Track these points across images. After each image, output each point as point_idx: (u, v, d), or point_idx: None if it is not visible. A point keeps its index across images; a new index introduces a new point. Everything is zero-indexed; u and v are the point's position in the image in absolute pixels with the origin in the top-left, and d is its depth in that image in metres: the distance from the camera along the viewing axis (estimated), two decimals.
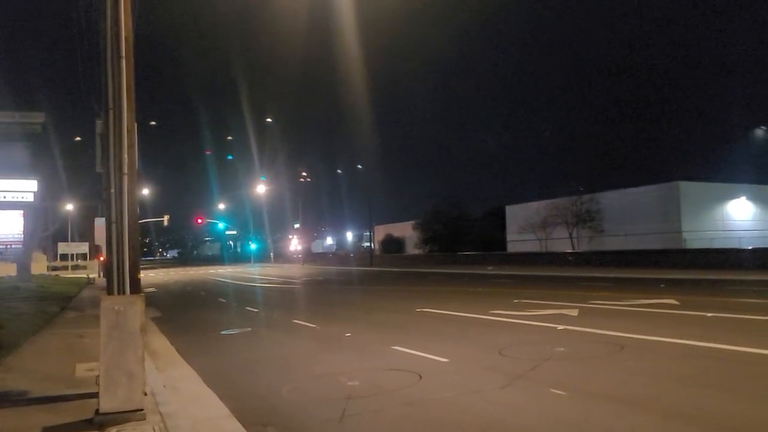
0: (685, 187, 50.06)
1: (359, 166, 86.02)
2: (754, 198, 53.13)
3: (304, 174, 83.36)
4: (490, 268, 42.60)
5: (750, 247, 38.26)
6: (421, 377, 8.29)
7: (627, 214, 50.83)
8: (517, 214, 61.57)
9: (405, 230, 78.37)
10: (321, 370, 9.40)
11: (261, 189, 69.14)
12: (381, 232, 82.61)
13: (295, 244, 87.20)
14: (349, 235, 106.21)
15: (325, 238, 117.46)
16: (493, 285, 26.83)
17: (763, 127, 69.13)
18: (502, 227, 65.52)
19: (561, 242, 53.01)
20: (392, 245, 78.49)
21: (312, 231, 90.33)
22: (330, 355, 10.72)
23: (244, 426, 6.28)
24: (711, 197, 51.04)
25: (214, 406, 7.23)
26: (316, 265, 67.53)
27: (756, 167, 64.92)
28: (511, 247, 61.13)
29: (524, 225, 55.96)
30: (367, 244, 76.83)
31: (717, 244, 43.41)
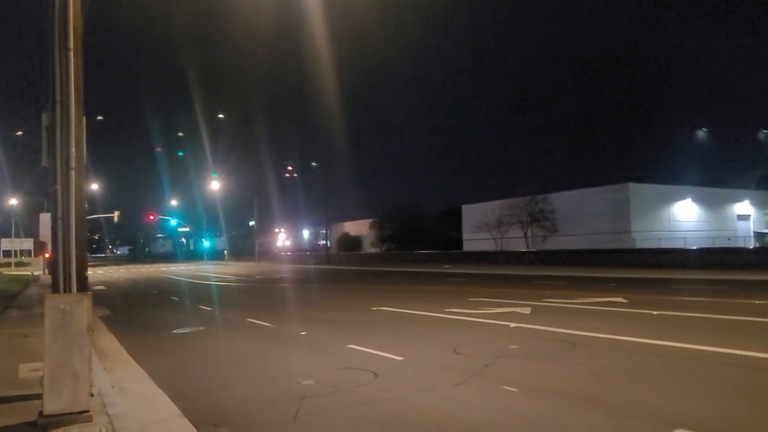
0: (635, 188, 51.62)
1: (314, 164, 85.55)
2: (699, 200, 55.16)
3: (290, 168, 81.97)
4: (446, 266, 43.00)
5: (695, 247, 39.74)
6: (376, 376, 8.30)
7: (579, 214, 52.10)
8: (473, 214, 62.39)
9: (362, 228, 78.50)
10: (275, 369, 9.32)
11: (215, 186, 68.00)
12: (338, 230, 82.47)
13: (282, 239, 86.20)
14: (306, 233, 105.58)
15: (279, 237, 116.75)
16: (449, 283, 27.08)
17: (704, 129, 71.68)
18: (459, 226, 66.27)
19: (516, 241, 53.96)
20: (349, 243, 78.47)
21: (290, 227, 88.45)
22: (285, 354, 10.64)
23: (195, 426, 6.18)
24: (659, 198, 52.76)
25: (164, 406, 7.08)
26: (273, 263, 66.86)
27: (701, 169, 67.41)
28: (467, 246, 61.91)
29: (480, 224, 56.77)
30: (324, 242, 76.52)
31: (664, 244, 44.92)
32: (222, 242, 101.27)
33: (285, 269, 52.31)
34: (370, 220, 74.84)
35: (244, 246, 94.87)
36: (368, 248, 75.59)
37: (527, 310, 14.83)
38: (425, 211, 75.16)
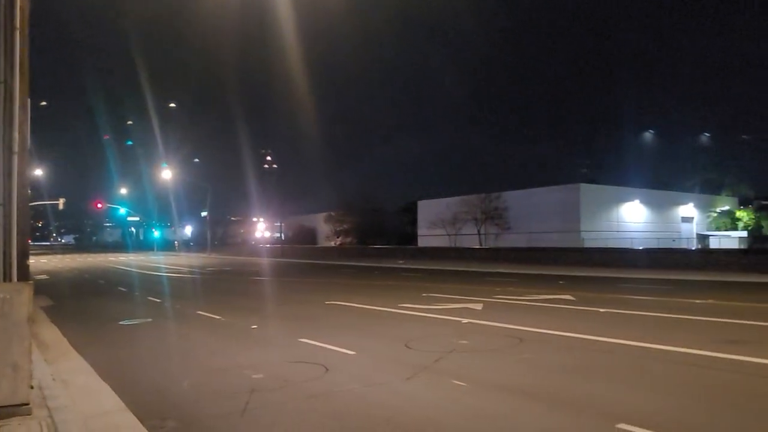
0: (585, 189, 52.91)
1: (269, 158, 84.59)
2: (646, 201, 56.89)
3: (269, 159, 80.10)
4: (400, 261, 43.20)
5: (641, 248, 41.01)
6: (327, 370, 8.29)
7: (532, 212, 53.06)
8: (428, 210, 62.79)
9: (318, 222, 78.09)
10: (225, 362, 9.20)
11: (166, 175, 66.42)
12: (293, 223, 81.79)
13: (261, 230, 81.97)
14: (261, 226, 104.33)
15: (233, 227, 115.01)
16: (404, 279, 27.23)
17: (651, 131, 73.93)
18: (415, 222, 66.62)
19: (469, 238, 54.59)
20: (304, 237, 77.95)
21: (272, 218, 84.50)
22: (235, 348, 10.51)
23: (140, 420, 6.05)
24: (608, 199, 54.20)
25: (107, 399, 6.91)
26: (224, 255, 65.90)
27: (649, 172, 69.57)
28: (422, 242, 62.28)
29: (435, 220, 57.20)
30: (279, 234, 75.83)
31: (612, 244, 46.18)
32: (172, 233, 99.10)
33: (237, 261, 51.64)
34: (325, 214, 74.48)
35: (201, 237, 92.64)
36: (324, 242, 75.27)
37: (479, 306, 15.04)
38: (382, 207, 75.31)
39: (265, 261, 51.86)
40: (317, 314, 14.88)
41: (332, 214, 72.02)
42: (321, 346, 10.01)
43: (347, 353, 9.44)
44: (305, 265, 44.34)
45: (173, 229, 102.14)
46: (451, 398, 6.86)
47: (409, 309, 14.91)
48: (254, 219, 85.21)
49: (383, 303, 16.10)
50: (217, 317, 14.40)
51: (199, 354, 10.15)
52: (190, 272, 36.73)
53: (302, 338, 10.77)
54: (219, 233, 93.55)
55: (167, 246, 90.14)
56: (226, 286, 26.87)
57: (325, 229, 73.84)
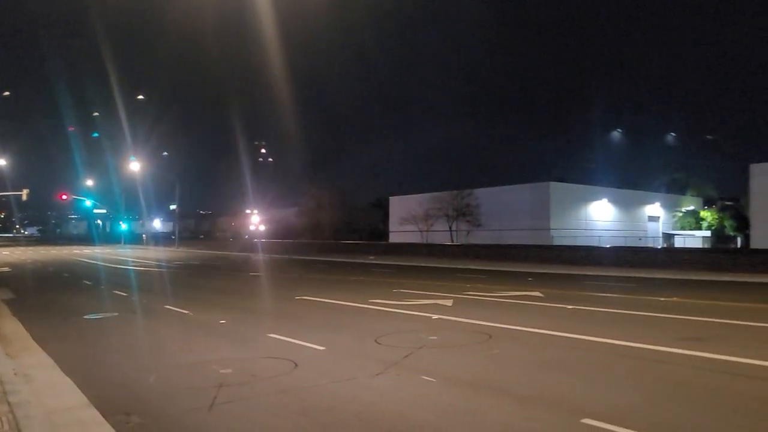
0: (555, 187, 53.59)
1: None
2: (614, 200, 57.88)
3: (263, 151, 78.18)
4: (372, 257, 43.19)
5: (608, 246, 41.68)
6: (296, 365, 8.26)
7: (503, 210, 53.57)
8: (400, 206, 62.92)
9: (290, 216, 77.58)
10: (192, 357, 9.10)
11: (134, 167, 65.18)
12: (276, 216, 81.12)
13: (255, 223, 73.92)
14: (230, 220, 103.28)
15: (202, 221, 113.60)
16: (375, 274, 27.24)
17: (619, 130, 75.19)
18: (386, 218, 66.69)
19: (440, 234, 54.86)
20: (284, 232, 77.37)
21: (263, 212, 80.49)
22: (203, 343, 10.40)
23: (104, 416, 5.95)
24: (577, 198, 54.99)
25: (71, 394, 6.78)
26: (194, 249, 65.12)
27: (618, 172, 70.77)
28: (393, 238, 62.41)
29: (407, 216, 57.32)
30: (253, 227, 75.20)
31: (580, 242, 46.89)
32: (140, 226, 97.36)
33: (207, 255, 51.07)
34: (296, 209, 74.12)
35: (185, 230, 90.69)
36: (295, 237, 74.87)
37: (449, 303, 15.13)
38: (355, 202, 75.31)
39: (235, 255, 51.39)
40: (287, 309, 14.80)
41: (304, 208, 71.65)
42: (290, 342, 9.96)
43: (317, 349, 9.41)
44: (276, 259, 44.06)
45: (141, 222, 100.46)
46: (420, 394, 6.89)
47: (380, 305, 14.93)
48: (248, 211, 78.47)
49: (354, 298, 16.09)
50: (185, 312, 14.23)
51: (166, 349, 10.02)
52: (158, 266, 36.20)
53: (271, 333, 10.70)
54: (191, 226, 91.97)
55: (135, 239, 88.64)
56: (194, 280, 26.56)
57: (297, 223, 73.39)
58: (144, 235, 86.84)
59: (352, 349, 9.61)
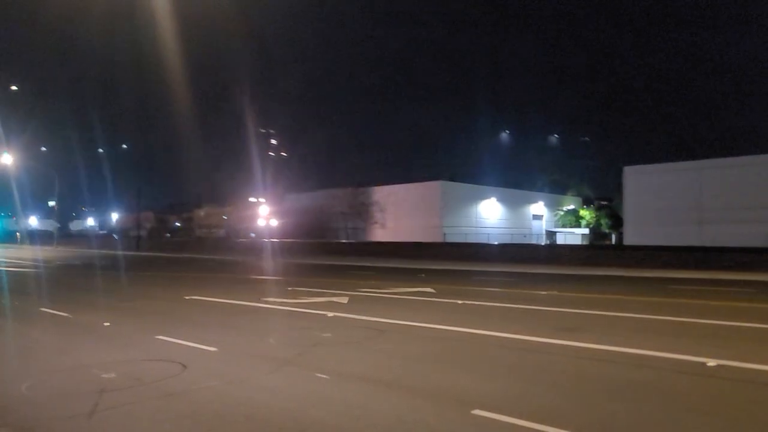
0: (446, 186, 55.33)
1: (124, 146, 79.40)
2: (502, 199, 60.60)
3: (274, 142, 68.45)
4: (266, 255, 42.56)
5: (496, 243, 43.61)
6: (185, 367, 7.99)
7: (397, 207, 54.51)
8: (295, 203, 62.31)
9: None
10: (72, 362, 8.56)
11: (6, 160, 59.98)
12: (151, 215, 77.64)
13: (265, 212, 58.73)
14: (115, 216, 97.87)
15: (86, 219, 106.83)
16: (269, 273, 26.84)
17: (506, 131, 78.77)
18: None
19: (337, 232, 54.97)
20: (163, 229, 74.30)
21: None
22: (84, 346, 9.81)
23: None
24: (468, 197, 57.08)
25: None
26: (74, 248, 61.13)
27: (506, 172, 74.09)
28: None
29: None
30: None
31: (471, 239, 48.69)
32: (14, 223, 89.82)
33: (89, 254, 48.12)
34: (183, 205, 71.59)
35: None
36: (184, 234, 72.21)
37: (344, 300, 15.22)
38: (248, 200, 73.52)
39: (120, 254, 48.79)
40: (175, 310, 14.28)
41: (190, 204, 69.31)
42: (179, 343, 9.63)
43: (207, 349, 9.16)
44: (164, 258, 42.33)
45: (14, 219, 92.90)
46: (313, 391, 6.90)
47: (274, 303, 14.76)
48: (253, 200, 61.14)
49: (246, 297, 15.79)
50: (64, 314, 13.34)
51: (42, 354, 9.36)
52: (34, 266, 33.67)
53: (159, 335, 10.29)
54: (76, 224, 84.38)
55: (8, 238, 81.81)
56: (74, 280, 24.93)
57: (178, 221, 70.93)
58: (18, 233, 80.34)
59: (245, 348, 9.44)
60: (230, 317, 12.93)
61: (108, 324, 12.00)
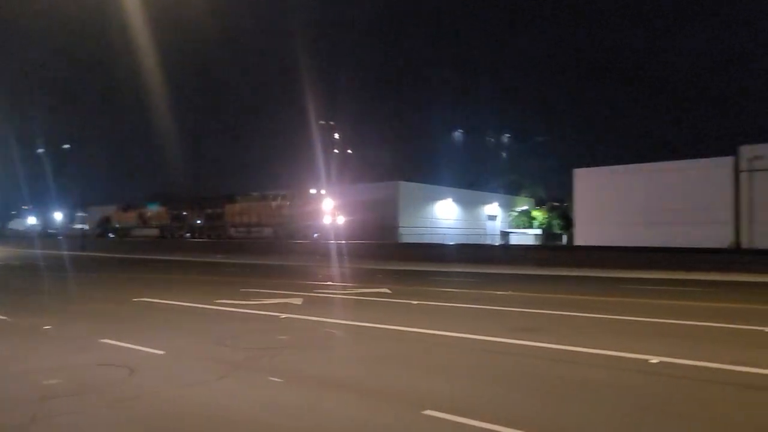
0: (403, 186, 55.51)
1: (66, 146, 76.83)
2: (458, 200, 61.16)
3: (336, 136, 60.94)
4: (219, 256, 41.76)
5: (452, 243, 43.95)
6: (132, 371, 7.71)
7: (355, 208, 54.32)
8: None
9: (129, 213, 72.74)
10: (9, 368, 8.15)
11: None
12: (99, 214, 75.40)
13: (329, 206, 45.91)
14: (59, 216, 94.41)
15: (26, 217, 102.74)
16: (222, 274, 26.38)
17: (460, 131, 79.57)
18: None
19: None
20: (111, 228, 72.13)
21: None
22: (23, 352, 9.36)
23: None
24: (424, 197, 57.41)
25: None
26: (11, 247, 58.84)
27: (462, 172, 74.84)
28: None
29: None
30: (82, 225, 69.48)
31: (427, 240, 48.93)
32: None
33: (30, 254, 46.35)
34: (120, 205, 69.62)
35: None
36: (135, 234, 70.27)
37: (299, 301, 15.02)
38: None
39: (65, 254, 47.16)
40: (123, 312, 13.82)
41: (139, 203, 67.44)
42: (126, 347, 9.29)
43: (155, 353, 8.86)
44: (112, 258, 41.09)
45: None
46: (265, 395, 6.74)
47: (226, 305, 14.44)
48: (314, 191, 48.77)
49: (198, 299, 15.41)
50: (1, 317, 12.74)
51: None
52: None
53: (104, 339, 9.90)
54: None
55: None
56: (12, 282, 23.92)
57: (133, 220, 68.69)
58: None
59: (196, 352, 9.18)
60: (180, 320, 12.58)
61: (49, 327, 11.50)
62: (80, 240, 58.66)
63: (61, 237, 67.87)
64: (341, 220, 46.19)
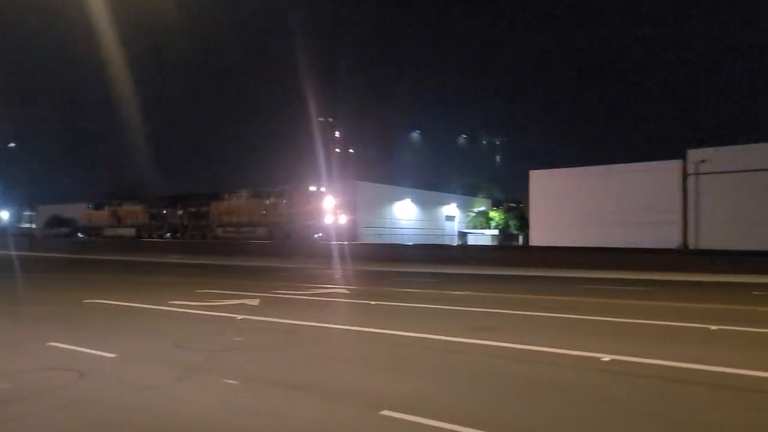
0: (361, 186, 55.40)
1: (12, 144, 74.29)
2: (416, 200, 61.46)
3: (337, 134, 57.70)
4: (174, 256, 40.92)
5: (411, 243, 44.12)
6: (82, 375, 7.46)
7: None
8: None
9: (79, 212, 70.67)
10: None
11: None
12: (48, 212, 73.03)
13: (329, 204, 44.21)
14: (5, 215, 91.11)
15: None
16: (177, 274, 25.85)
17: (418, 131, 79.74)
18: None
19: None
20: (61, 228, 69.93)
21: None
22: None
23: None
24: (383, 197, 57.44)
25: None
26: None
27: (420, 172, 75.25)
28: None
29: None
30: (30, 225, 67.13)
31: (386, 240, 48.99)
32: None
33: None
34: (86, 204, 67.63)
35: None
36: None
37: (255, 302, 14.82)
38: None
39: (11, 255, 45.47)
40: (72, 314, 13.39)
41: (94, 203, 65.56)
42: (75, 350, 8.99)
43: (107, 356, 8.60)
44: (62, 259, 39.85)
45: None
46: (222, 398, 6.60)
47: (181, 306, 14.14)
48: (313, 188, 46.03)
49: (152, 300, 15.04)
50: None
51: None
52: None
53: (52, 342, 9.55)
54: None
55: None
56: None
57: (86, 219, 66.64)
58: None
59: (149, 354, 8.95)
60: (133, 321, 12.26)
61: None
62: (28, 239, 56.64)
63: (8, 236, 65.43)
64: (343, 219, 44.75)
